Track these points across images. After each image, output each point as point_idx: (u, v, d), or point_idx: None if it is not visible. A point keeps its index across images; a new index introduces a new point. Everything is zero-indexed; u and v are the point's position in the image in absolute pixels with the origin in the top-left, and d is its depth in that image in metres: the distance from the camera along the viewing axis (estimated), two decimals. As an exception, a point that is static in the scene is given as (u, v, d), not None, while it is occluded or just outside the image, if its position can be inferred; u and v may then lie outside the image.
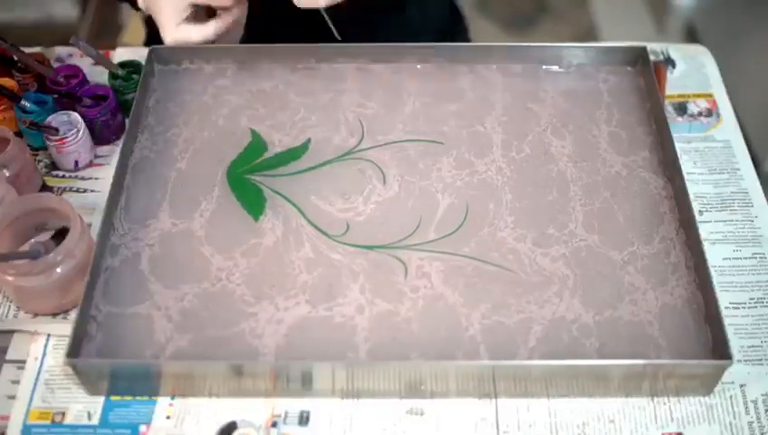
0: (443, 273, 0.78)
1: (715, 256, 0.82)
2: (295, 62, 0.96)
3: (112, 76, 0.93)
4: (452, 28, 1.19)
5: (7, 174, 0.82)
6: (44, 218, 0.80)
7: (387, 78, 0.95)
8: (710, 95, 0.98)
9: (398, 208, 0.83)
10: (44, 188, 0.88)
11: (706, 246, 0.77)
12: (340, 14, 1.04)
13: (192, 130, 0.90)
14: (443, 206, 0.83)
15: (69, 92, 0.90)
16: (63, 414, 0.72)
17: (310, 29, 0.98)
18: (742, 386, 0.74)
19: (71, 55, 1.01)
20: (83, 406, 0.73)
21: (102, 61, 0.91)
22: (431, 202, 0.83)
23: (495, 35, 2.00)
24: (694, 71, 1.00)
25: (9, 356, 0.76)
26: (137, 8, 0.94)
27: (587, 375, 0.71)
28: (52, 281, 0.75)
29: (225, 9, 0.89)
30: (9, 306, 0.79)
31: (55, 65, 0.96)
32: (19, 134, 0.90)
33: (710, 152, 0.92)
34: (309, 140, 0.89)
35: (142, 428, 0.71)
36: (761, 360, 0.75)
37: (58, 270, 0.75)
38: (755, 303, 0.79)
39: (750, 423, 0.71)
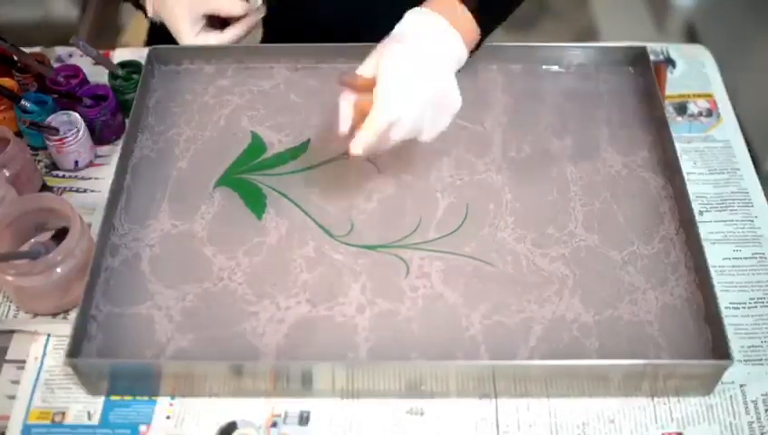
0: (443, 272, 0.78)
1: (715, 256, 0.82)
2: (295, 62, 0.96)
3: (112, 76, 0.93)
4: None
5: (7, 174, 0.82)
6: (44, 218, 0.80)
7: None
8: (710, 95, 0.97)
9: (398, 208, 0.83)
10: (44, 188, 0.88)
11: (706, 246, 0.77)
12: (341, 14, 1.04)
13: (192, 131, 0.90)
14: (443, 205, 0.83)
15: (69, 92, 0.90)
16: (63, 414, 0.72)
17: (311, 29, 0.98)
18: (742, 386, 0.74)
19: (71, 55, 1.01)
20: (83, 406, 0.73)
21: (102, 61, 0.91)
22: (431, 202, 0.83)
23: (495, 35, 2.00)
24: (694, 71, 1.00)
25: (9, 356, 0.76)
26: (145, 13, 0.95)
27: (587, 375, 0.71)
28: (52, 281, 0.75)
29: (238, 18, 0.92)
30: (9, 306, 0.79)
31: (55, 65, 0.96)
32: (19, 134, 0.90)
33: (710, 152, 0.92)
34: (308, 141, 0.89)
35: (142, 428, 0.71)
36: (761, 360, 0.75)
37: (58, 270, 0.75)
38: (755, 303, 0.79)
39: (750, 423, 0.71)
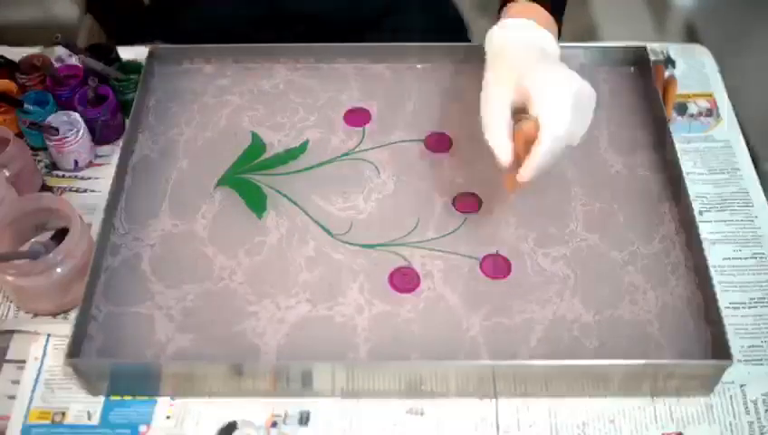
0: (443, 272, 0.78)
1: (715, 256, 0.82)
2: (295, 62, 0.96)
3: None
4: (452, 30, 1.19)
5: (7, 174, 0.82)
6: (44, 218, 0.80)
7: (387, 78, 0.95)
8: (710, 95, 0.97)
9: (398, 208, 0.83)
10: (44, 188, 0.88)
11: (706, 246, 0.77)
12: (341, 15, 1.04)
13: (192, 131, 0.90)
14: (444, 205, 0.83)
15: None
16: (63, 414, 0.72)
17: (310, 29, 0.98)
18: (742, 386, 0.74)
19: (71, 55, 1.01)
20: (83, 406, 0.73)
21: (108, 71, 0.91)
22: (430, 201, 0.83)
23: (495, 35, 2.00)
24: (694, 71, 1.00)
25: (9, 356, 0.76)
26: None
27: (587, 375, 0.71)
28: (52, 281, 0.75)
29: None
30: (9, 306, 0.79)
31: (56, 65, 0.96)
32: (19, 134, 0.90)
33: (710, 152, 0.92)
34: (307, 141, 0.89)
35: (142, 428, 0.71)
36: (761, 360, 0.75)
37: (58, 270, 0.75)
38: (755, 303, 0.79)
39: (750, 423, 0.71)
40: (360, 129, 0.90)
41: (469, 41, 1.20)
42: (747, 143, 0.93)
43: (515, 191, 0.73)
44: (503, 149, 0.70)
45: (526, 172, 0.69)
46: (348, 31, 1.01)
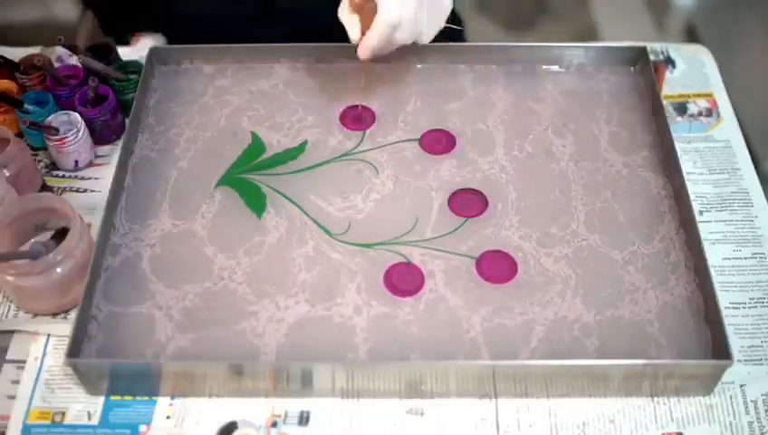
0: (444, 273, 0.78)
1: (715, 256, 0.82)
2: (295, 62, 0.96)
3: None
4: (451, 30, 1.19)
5: (7, 174, 0.82)
6: (44, 218, 0.80)
7: (387, 78, 0.95)
8: (710, 95, 0.97)
9: (397, 208, 0.83)
10: (44, 188, 0.88)
11: (706, 246, 0.77)
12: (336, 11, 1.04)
13: (192, 131, 0.90)
14: (443, 205, 0.83)
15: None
16: (63, 414, 0.72)
17: (307, 25, 0.98)
18: (742, 386, 0.74)
19: (71, 55, 1.01)
20: (83, 406, 0.73)
21: (108, 71, 0.91)
22: (429, 201, 0.83)
23: (495, 35, 2.00)
24: (694, 71, 1.00)
25: (9, 356, 0.76)
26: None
27: (587, 375, 0.71)
28: (52, 281, 0.75)
29: None
30: (9, 306, 0.79)
31: (56, 65, 0.96)
32: (19, 134, 0.90)
33: (710, 152, 0.92)
34: (306, 141, 0.89)
35: (142, 428, 0.71)
36: (761, 360, 0.75)
37: (58, 270, 0.75)
38: (755, 303, 0.79)
39: (750, 423, 0.71)
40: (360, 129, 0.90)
41: (466, 41, 1.20)
42: (747, 143, 0.93)
43: (365, 61, 0.81)
44: (351, 27, 0.81)
45: (361, 51, 0.80)
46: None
